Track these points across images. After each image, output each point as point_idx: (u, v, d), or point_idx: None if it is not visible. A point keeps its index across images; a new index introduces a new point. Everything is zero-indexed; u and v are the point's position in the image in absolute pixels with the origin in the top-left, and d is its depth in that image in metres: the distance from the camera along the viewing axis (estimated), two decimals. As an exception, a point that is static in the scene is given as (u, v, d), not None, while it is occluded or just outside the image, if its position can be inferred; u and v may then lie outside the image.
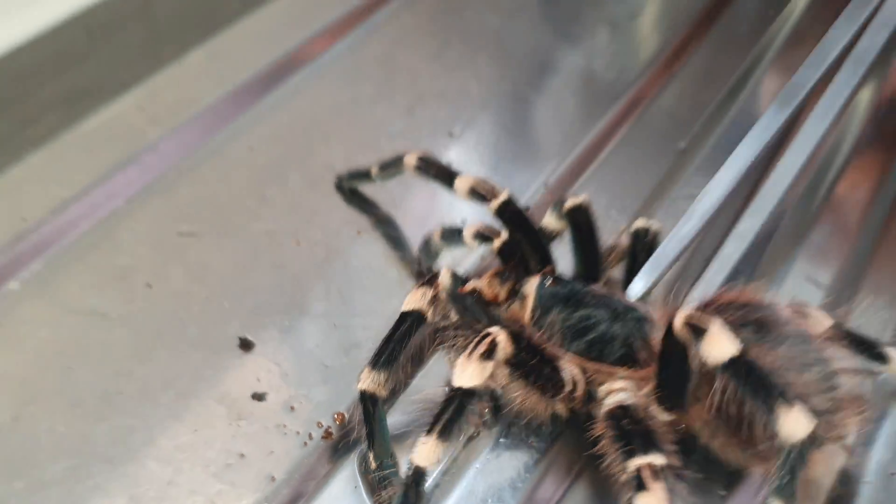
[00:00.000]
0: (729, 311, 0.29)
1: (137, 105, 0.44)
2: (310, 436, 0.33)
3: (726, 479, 0.31)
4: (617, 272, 0.36)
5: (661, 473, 0.26)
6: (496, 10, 0.52)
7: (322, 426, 0.33)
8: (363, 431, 0.31)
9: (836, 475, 0.31)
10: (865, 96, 0.47)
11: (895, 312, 0.37)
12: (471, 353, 0.28)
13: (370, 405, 0.30)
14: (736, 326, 0.28)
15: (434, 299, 0.31)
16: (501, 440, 0.33)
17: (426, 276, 0.32)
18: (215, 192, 0.42)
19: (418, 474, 0.28)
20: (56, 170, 0.41)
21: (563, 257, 0.35)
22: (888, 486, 0.31)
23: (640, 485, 0.26)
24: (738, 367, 0.26)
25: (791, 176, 0.35)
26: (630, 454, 0.27)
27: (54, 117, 0.43)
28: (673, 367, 0.29)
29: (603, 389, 0.30)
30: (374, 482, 0.31)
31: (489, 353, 0.28)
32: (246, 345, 0.36)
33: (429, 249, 0.38)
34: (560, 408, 0.31)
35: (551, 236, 0.36)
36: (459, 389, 0.28)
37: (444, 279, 0.32)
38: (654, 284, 0.30)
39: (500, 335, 0.28)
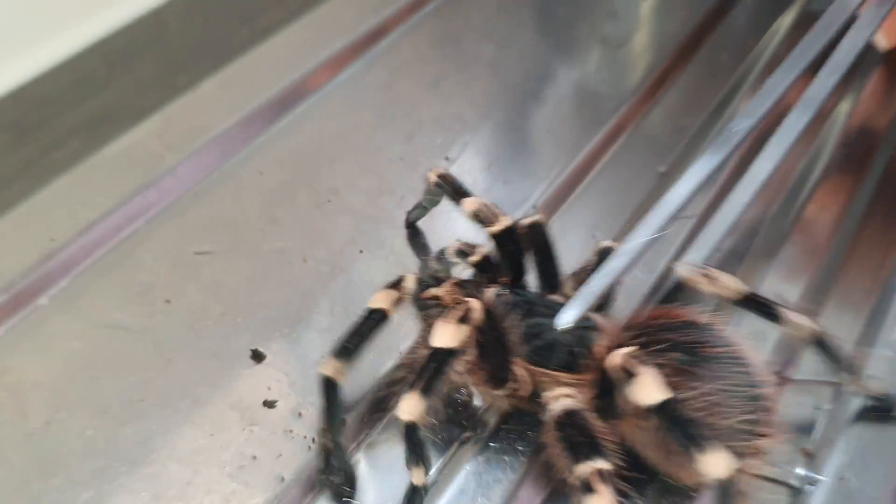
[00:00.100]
0: (663, 332, 0.31)
1: (155, 132, 0.46)
2: (314, 440, 0.35)
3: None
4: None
5: (608, 477, 0.27)
6: (490, 41, 0.54)
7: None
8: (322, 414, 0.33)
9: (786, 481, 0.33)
10: (837, 122, 0.50)
11: (856, 330, 0.39)
12: (448, 316, 0.30)
13: (328, 387, 0.33)
14: (668, 348, 0.30)
15: (398, 301, 0.33)
16: (491, 444, 0.35)
17: (394, 280, 0.34)
18: (228, 214, 0.43)
19: (409, 427, 0.29)
20: (81, 193, 0.42)
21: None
22: (839, 489, 0.33)
23: (588, 489, 0.27)
24: (664, 412, 0.27)
25: (738, 210, 0.37)
26: (577, 460, 0.28)
27: (77, 143, 0.44)
28: (607, 389, 0.30)
29: (548, 395, 0.32)
30: (331, 465, 0.33)
31: (464, 318, 0.30)
32: (257, 356, 0.38)
33: (431, 266, 0.40)
34: (502, 401, 0.33)
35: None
36: (438, 350, 0.30)
37: (409, 284, 0.34)
38: (582, 314, 0.32)
39: (473, 303, 0.31)
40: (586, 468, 0.28)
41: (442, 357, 0.30)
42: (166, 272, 0.40)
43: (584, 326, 0.33)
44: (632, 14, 0.59)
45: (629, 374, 0.28)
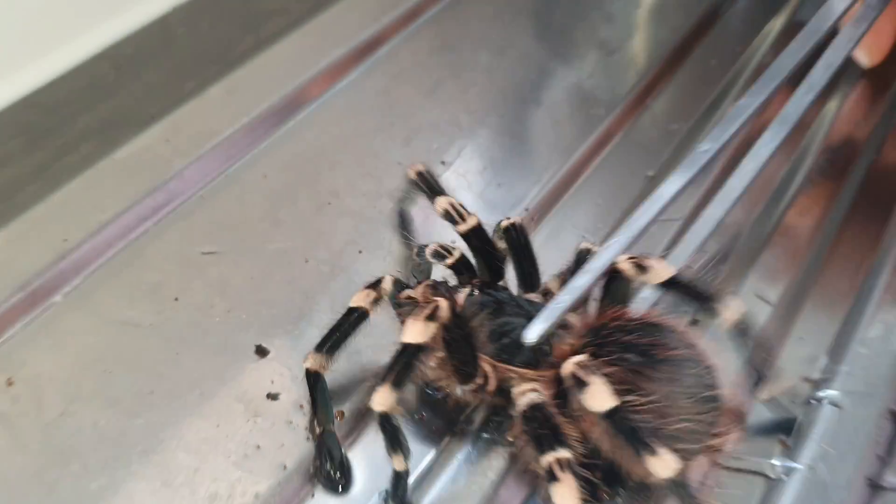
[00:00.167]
0: (620, 333, 0.32)
1: (163, 136, 0.47)
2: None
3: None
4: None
5: (569, 466, 0.29)
6: (486, 48, 0.55)
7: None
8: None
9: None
10: (820, 132, 0.51)
11: (832, 329, 0.41)
12: (417, 314, 0.32)
13: (313, 380, 0.35)
14: (624, 349, 0.31)
15: (377, 300, 0.35)
16: (483, 434, 0.36)
17: (373, 281, 0.36)
18: (233, 216, 0.44)
19: (382, 417, 0.31)
20: (92, 196, 0.44)
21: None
22: (812, 479, 0.34)
23: (552, 477, 0.29)
24: (613, 418, 0.29)
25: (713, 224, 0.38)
26: (542, 450, 0.30)
27: (89, 147, 0.46)
28: (564, 391, 0.31)
29: (515, 390, 0.33)
30: (322, 450, 0.35)
31: (432, 316, 0.31)
32: (261, 351, 0.39)
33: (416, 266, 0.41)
34: (470, 396, 0.34)
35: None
36: (408, 345, 0.31)
37: (387, 285, 0.36)
38: (549, 330, 0.33)
39: (442, 302, 0.32)
40: (550, 458, 0.29)
41: (411, 352, 0.31)
42: (174, 271, 0.41)
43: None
44: (627, 20, 0.60)
45: (581, 383, 0.30)
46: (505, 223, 0.38)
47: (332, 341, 0.35)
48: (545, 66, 0.56)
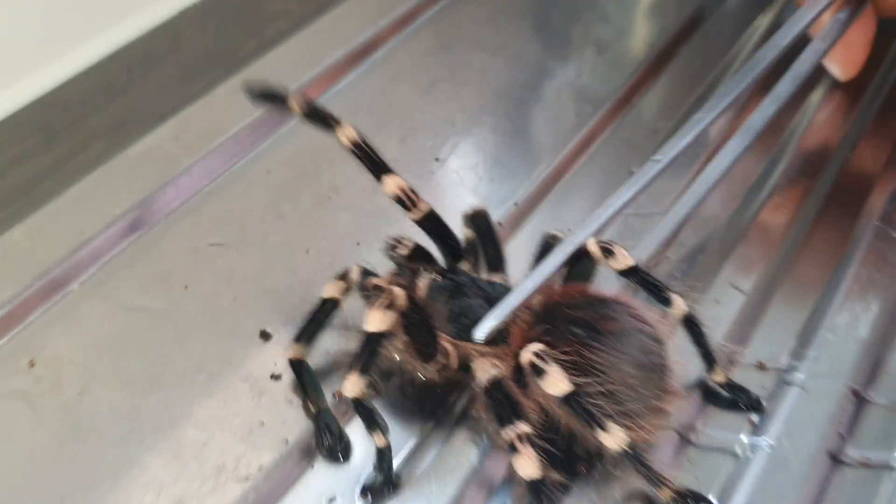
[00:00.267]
0: (568, 309, 0.34)
1: (172, 135, 0.49)
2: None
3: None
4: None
5: (528, 438, 0.31)
6: (481, 49, 0.57)
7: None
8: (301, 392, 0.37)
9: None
10: (797, 133, 0.53)
11: (801, 317, 0.42)
12: (376, 304, 0.33)
13: (298, 367, 0.37)
14: (572, 326, 0.33)
15: (346, 290, 0.36)
16: (471, 412, 0.37)
17: (342, 272, 0.37)
18: (239, 209, 0.46)
19: (355, 402, 0.34)
20: (106, 191, 0.45)
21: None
22: (776, 454, 0.36)
23: (513, 449, 0.31)
24: (570, 401, 0.31)
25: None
26: (502, 424, 0.31)
27: (102, 145, 0.48)
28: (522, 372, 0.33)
29: (475, 367, 0.35)
30: (320, 426, 0.36)
31: (390, 305, 0.33)
32: (265, 336, 0.40)
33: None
34: (434, 374, 0.36)
35: (470, 242, 0.40)
36: (370, 334, 0.33)
37: (354, 275, 0.37)
38: (499, 327, 0.34)
39: (397, 291, 0.34)
40: (510, 431, 0.31)
41: (374, 340, 0.33)
42: (184, 261, 0.43)
43: None
44: (621, 19, 0.62)
45: (539, 370, 0.32)
46: (470, 212, 0.40)
47: (309, 331, 0.37)
48: (537, 66, 0.58)
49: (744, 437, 0.37)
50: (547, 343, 0.33)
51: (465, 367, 0.36)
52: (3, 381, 0.38)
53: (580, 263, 0.37)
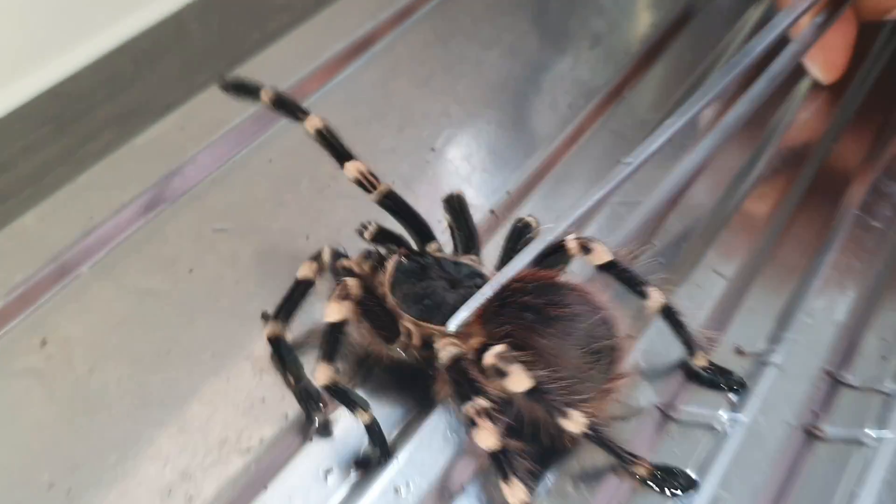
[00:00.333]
0: (519, 294, 0.35)
1: (178, 125, 0.50)
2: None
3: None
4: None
5: (486, 413, 0.32)
6: (476, 42, 0.58)
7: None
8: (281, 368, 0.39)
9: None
10: (780, 126, 0.54)
11: (781, 301, 0.44)
12: (333, 296, 0.35)
13: (276, 343, 0.39)
14: (522, 310, 0.34)
15: (319, 270, 0.38)
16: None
17: (315, 253, 0.39)
18: (242, 197, 0.47)
19: (328, 388, 0.35)
20: (114, 178, 0.46)
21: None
22: (752, 430, 0.38)
23: (473, 423, 0.32)
24: (532, 395, 0.32)
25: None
26: (462, 400, 0.33)
27: (110, 134, 0.49)
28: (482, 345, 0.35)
29: (437, 346, 0.36)
30: (300, 395, 0.38)
31: (346, 295, 0.35)
32: (266, 317, 0.40)
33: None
34: (398, 354, 0.37)
35: (450, 225, 0.41)
36: (330, 324, 0.35)
37: (325, 256, 0.39)
38: (469, 318, 0.35)
39: (350, 281, 0.35)
40: (470, 407, 0.32)
41: (335, 329, 0.35)
42: (189, 246, 0.44)
43: (469, 286, 0.38)
44: (618, 13, 0.63)
45: (501, 373, 0.33)
46: (446, 196, 0.41)
47: (285, 310, 0.38)
48: (531, 59, 0.59)
49: (722, 414, 0.39)
50: (504, 332, 0.35)
51: (427, 346, 0.37)
52: (16, 360, 0.39)
53: (554, 256, 0.38)
